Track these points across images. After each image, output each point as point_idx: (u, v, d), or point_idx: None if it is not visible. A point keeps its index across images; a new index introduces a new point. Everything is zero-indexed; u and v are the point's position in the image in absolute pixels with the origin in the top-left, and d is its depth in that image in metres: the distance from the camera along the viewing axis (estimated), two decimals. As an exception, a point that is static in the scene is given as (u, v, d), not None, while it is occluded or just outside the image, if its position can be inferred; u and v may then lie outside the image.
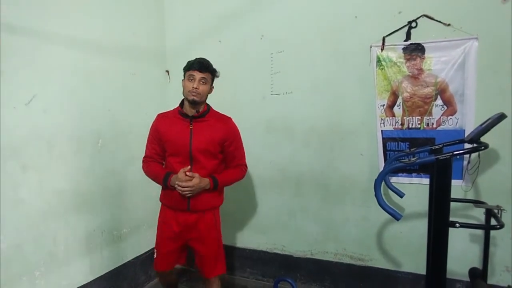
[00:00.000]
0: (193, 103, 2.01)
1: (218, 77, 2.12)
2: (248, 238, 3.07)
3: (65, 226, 2.28)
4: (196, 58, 2.04)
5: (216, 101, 2.98)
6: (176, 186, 1.97)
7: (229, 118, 2.19)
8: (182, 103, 2.11)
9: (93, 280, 2.47)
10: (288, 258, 2.92)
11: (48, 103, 2.15)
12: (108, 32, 2.57)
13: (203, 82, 2.00)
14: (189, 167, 1.98)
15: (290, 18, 2.69)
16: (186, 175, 1.98)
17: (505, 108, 1.99)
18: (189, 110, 2.06)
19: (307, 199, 2.81)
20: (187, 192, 1.97)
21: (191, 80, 1.99)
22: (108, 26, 2.57)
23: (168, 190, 2.07)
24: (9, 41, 1.92)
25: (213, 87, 2.11)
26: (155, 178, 2.11)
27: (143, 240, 2.94)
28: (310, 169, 2.76)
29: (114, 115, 2.64)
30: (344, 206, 2.70)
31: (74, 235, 2.34)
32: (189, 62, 2.04)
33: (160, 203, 2.23)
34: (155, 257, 2.22)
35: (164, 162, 2.17)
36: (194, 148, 2.02)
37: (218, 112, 2.18)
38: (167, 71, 3.15)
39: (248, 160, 2.93)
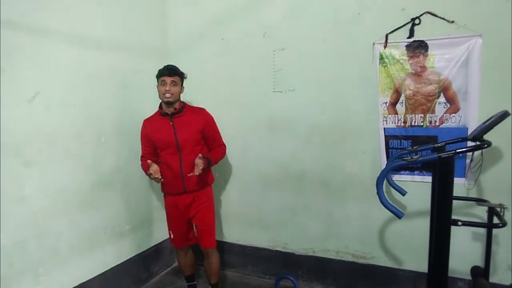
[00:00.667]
0: (169, 103, 2.37)
1: (186, 78, 2.48)
2: (250, 236, 3.08)
3: (68, 222, 2.29)
4: (164, 66, 2.39)
5: (218, 98, 3.01)
6: (151, 177, 2.32)
7: (203, 109, 2.55)
8: (160, 106, 2.45)
9: (96, 277, 2.49)
10: (290, 256, 2.93)
11: (51, 100, 2.16)
12: (111, 29, 2.58)
13: (173, 84, 2.35)
14: (149, 161, 2.31)
15: (292, 15, 2.67)
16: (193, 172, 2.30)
17: (509, 106, 1.98)
18: (167, 109, 2.40)
19: (309, 197, 2.81)
20: (193, 173, 2.29)
21: (163, 84, 2.34)
22: (111, 23, 2.58)
23: (165, 179, 2.37)
24: (11, 38, 1.93)
25: (183, 87, 2.47)
26: (145, 171, 2.45)
27: (145, 236, 2.96)
28: (312, 166, 2.76)
29: (117, 112, 2.64)
30: (346, 204, 2.70)
31: (77, 231, 2.35)
32: (159, 70, 2.38)
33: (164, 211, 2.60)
34: (172, 237, 2.59)
35: (158, 157, 2.49)
36: (180, 139, 2.38)
37: (192, 106, 2.55)
38: (170, 69, 3.16)
39: (251, 157, 2.97)
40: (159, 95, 2.39)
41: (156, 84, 2.40)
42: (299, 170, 2.81)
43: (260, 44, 2.80)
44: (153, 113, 2.51)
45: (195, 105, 2.61)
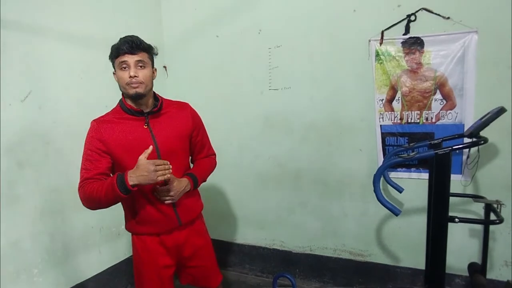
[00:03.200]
0: (138, 97, 1.54)
1: (156, 54, 1.64)
2: (247, 234, 3.07)
3: (62, 223, 2.27)
4: (121, 38, 1.55)
5: (213, 96, 2.99)
6: (150, 172, 1.42)
7: (186, 103, 1.79)
8: (122, 101, 1.63)
9: (91, 277, 2.47)
10: (287, 254, 2.92)
11: (44, 99, 2.14)
12: (104, 27, 2.55)
13: (141, 66, 1.54)
14: (151, 147, 1.47)
15: (288, 12, 2.66)
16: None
17: (505, 102, 1.98)
18: (140, 106, 1.60)
19: (306, 195, 2.80)
20: (169, 199, 1.59)
21: (125, 68, 1.52)
22: (104, 21, 2.55)
23: (142, 213, 1.63)
24: (4, 36, 1.91)
25: (155, 69, 1.64)
26: (105, 193, 1.46)
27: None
28: (309, 164, 2.75)
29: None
30: (343, 201, 2.69)
31: (72, 232, 2.33)
32: (113, 46, 1.55)
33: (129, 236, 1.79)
34: None
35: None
36: (163, 150, 1.59)
37: (171, 100, 1.76)
38: (165, 67, 3.13)
39: (246, 155, 2.95)
40: (119, 85, 1.57)
41: (113, 70, 1.60)
42: (296, 167, 2.80)
43: (255, 41, 2.79)
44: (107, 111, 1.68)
45: (190, 102, 1.86)
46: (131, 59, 1.52)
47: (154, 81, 1.65)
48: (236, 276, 3.05)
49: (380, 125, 2.50)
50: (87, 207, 1.57)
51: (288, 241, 2.92)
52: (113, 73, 1.61)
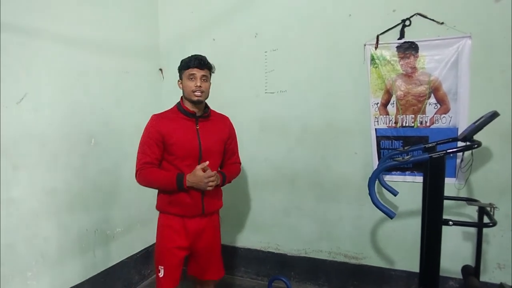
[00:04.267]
0: (198, 103, 1.93)
1: (214, 72, 2.03)
2: (243, 237, 3.07)
3: (57, 225, 2.25)
4: (192, 55, 1.92)
5: (210, 99, 2.98)
6: (205, 180, 1.83)
7: (227, 117, 2.17)
8: (180, 103, 1.99)
9: (86, 280, 2.45)
10: (282, 257, 2.92)
11: (39, 101, 2.13)
12: (101, 29, 2.54)
13: (204, 80, 1.92)
14: (207, 162, 1.84)
15: (284, 16, 2.68)
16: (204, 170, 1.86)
17: (498, 106, 2.00)
18: (195, 109, 1.96)
19: (301, 198, 2.81)
20: (211, 184, 1.86)
21: (192, 79, 1.89)
22: (101, 23, 2.55)
23: (176, 197, 1.93)
24: (-1, 38, 1.90)
25: (210, 83, 2.03)
26: (162, 182, 1.90)
27: (137, 239, 2.93)
28: (305, 167, 2.76)
29: (107, 113, 2.61)
30: (338, 204, 2.70)
31: (66, 234, 2.32)
32: (185, 60, 1.93)
33: (157, 213, 2.06)
34: (161, 276, 1.98)
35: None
36: (204, 149, 1.93)
37: (216, 111, 2.13)
38: (161, 69, 3.13)
39: (242, 158, 2.93)
40: (184, 92, 1.94)
41: (178, 78, 1.98)
42: (291, 170, 2.81)
43: (251, 45, 2.80)
44: (166, 109, 2.04)
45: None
46: (199, 72, 1.90)
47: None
48: (231, 279, 3.05)
49: (375, 129, 2.52)
50: (140, 185, 1.94)
51: (284, 244, 2.92)
52: (178, 81, 1.99)
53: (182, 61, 1.95)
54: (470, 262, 2.31)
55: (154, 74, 3.11)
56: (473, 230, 2.33)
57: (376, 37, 2.43)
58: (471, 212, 2.32)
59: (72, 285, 2.35)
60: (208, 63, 1.95)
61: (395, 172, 2.52)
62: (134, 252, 2.90)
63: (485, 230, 2.19)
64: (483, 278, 2.28)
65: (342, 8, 2.51)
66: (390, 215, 1.77)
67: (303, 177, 2.78)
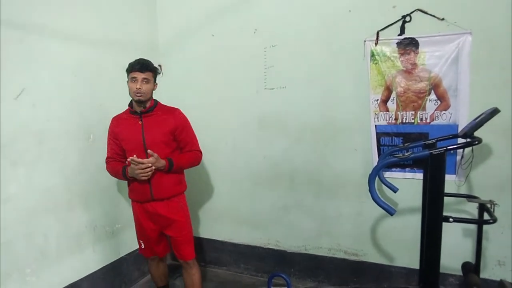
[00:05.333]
0: (139, 102, 2.15)
1: (159, 74, 2.26)
2: (242, 234, 3.06)
3: (56, 222, 2.25)
4: (136, 60, 2.14)
5: (208, 95, 2.99)
6: (136, 172, 2.08)
7: (177, 109, 2.31)
8: (131, 103, 2.24)
9: (85, 277, 2.45)
10: (282, 254, 2.92)
11: (38, 97, 2.12)
12: (99, 25, 2.53)
13: (145, 82, 2.12)
14: (135, 156, 2.06)
15: (283, 12, 2.66)
16: (141, 159, 2.07)
17: (499, 103, 1.99)
18: (137, 107, 2.19)
19: (301, 195, 2.80)
20: (142, 173, 2.07)
21: (134, 81, 2.11)
22: (99, 19, 2.53)
23: (132, 185, 2.24)
24: (-3, 34, 1.88)
25: (156, 84, 2.25)
26: (116, 174, 2.26)
27: (135, 235, 2.91)
28: (304, 164, 2.75)
29: (106, 109, 2.59)
30: (338, 201, 2.70)
31: (65, 231, 2.31)
32: (130, 63, 2.14)
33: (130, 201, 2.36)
34: (142, 247, 2.39)
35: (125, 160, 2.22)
36: (148, 141, 2.16)
37: (165, 106, 2.31)
38: (160, 65, 3.11)
39: (242, 155, 2.94)
40: (129, 92, 2.16)
41: (126, 79, 2.17)
42: (291, 167, 2.80)
43: (251, 41, 2.78)
44: (123, 110, 2.29)
45: (185, 102, 2.50)
46: (139, 76, 2.11)
47: (154, 91, 2.24)
48: (231, 275, 3.05)
49: (375, 125, 2.51)
50: (110, 175, 2.32)
51: (283, 241, 2.92)
52: (127, 81, 2.17)
53: (128, 64, 2.16)
54: (470, 259, 2.31)
55: (153, 71, 3.09)
56: (473, 226, 2.32)
57: (376, 33, 2.42)
58: (471, 209, 2.31)
59: (71, 282, 2.36)
60: (150, 66, 2.16)
61: (395, 169, 2.51)
62: (133, 249, 2.89)
63: (485, 227, 2.19)
64: (483, 275, 2.28)
65: (342, 3, 2.49)
66: (390, 211, 1.77)
67: (302, 173, 2.77)
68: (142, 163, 2.06)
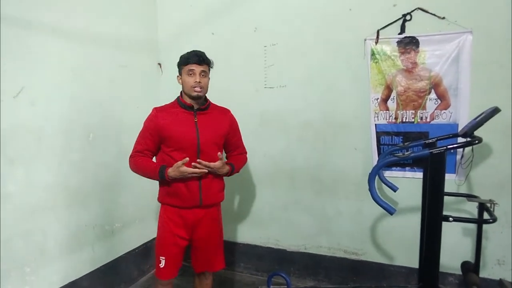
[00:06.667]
0: (198, 98, 1.97)
1: (212, 67, 2.05)
2: (242, 233, 3.06)
3: (55, 221, 2.24)
4: (191, 51, 1.96)
5: (208, 93, 2.97)
6: (184, 173, 1.87)
7: (229, 110, 2.18)
8: (180, 96, 2.03)
9: (84, 276, 2.44)
10: (282, 253, 2.92)
11: (36, 95, 2.11)
12: (98, 22, 2.52)
13: (203, 75, 1.95)
14: (187, 158, 1.87)
15: (284, 10, 2.66)
16: (194, 166, 1.90)
17: (499, 102, 1.99)
18: (193, 102, 1.99)
19: (301, 193, 2.80)
20: (198, 172, 1.89)
21: (191, 74, 1.93)
22: (99, 17, 2.52)
23: (172, 188, 1.97)
24: (-4, 32, 1.88)
25: (209, 78, 2.06)
26: (145, 172, 1.99)
27: (136, 234, 2.92)
28: (304, 162, 2.75)
29: (105, 108, 2.59)
30: (338, 200, 2.69)
31: (64, 230, 2.31)
32: (184, 56, 1.96)
33: (158, 204, 2.10)
34: (161, 266, 2.03)
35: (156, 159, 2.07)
36: (202, 141, 1.96)
37: (216, 105, 2.15)
38: (159, 64, 3.11)
39: (242, 154, 2.94)
40: (183, 87, 1.97)
41: (177, 74, 2.01)
42: (291, 166, 2.80)
43: (251, 39, 2.78)
44: (167, 103, 2.07)
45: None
46: (198, 68, 1.93)
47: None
48: (231, 274, 3.05)
49: (375, 124, 2.50)
50: (131, 170, 2.05)
51: (283, 240, 2.92)
52: (178, 77, 2.02)
53: (181, 57, 1.97)
54: (470, 258, 2.31)
55: (153, 69, 3.09)
56: (472, 226, 2.32)
57: (376, 32, 2.42)
58: (471, 208, 2.31)
59: (71, 280, 2.35)
60: (207, 58, 1.98)
61: (395, 168, 2.51)
62: (133, 248, 2.90)
63: (484, 226, 2.19)
64: (483, 274, 2.28)
65: (342, 2, 2.49)
66: (390, 211, 1.77)
67: (302, 172, 2.77)
68: (209, 167, 1.90)
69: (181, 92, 2.03)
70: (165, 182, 1.98)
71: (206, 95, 2.06)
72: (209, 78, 2.02)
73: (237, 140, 2.20)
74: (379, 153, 2.51)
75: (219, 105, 2.16)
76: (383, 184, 2.34)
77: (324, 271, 2.81)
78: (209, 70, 2.01)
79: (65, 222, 2.31)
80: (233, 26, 2.83)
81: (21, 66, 2.02)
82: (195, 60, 1.92)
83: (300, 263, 2.88)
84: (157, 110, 2.00)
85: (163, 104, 2.07)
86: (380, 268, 2.64)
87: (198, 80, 1.92)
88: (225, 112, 2.15)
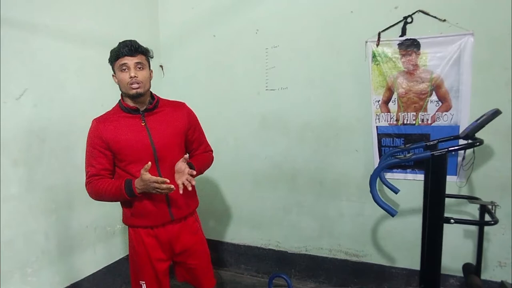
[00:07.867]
0: (138, 96, 1.65)
1: (152, 57, 1.75)
2: (243, 234, 3.06)
3: (57, 222, 2.25)
4: (120, 43, 1.65)
5: (210, 96, 2.98)
6: (153, 188, 1.57)
7: (184, 103, 1.89)
8: (121, 100, 1.75)
9: (86, 277, 2.45)
10: (283, 254, 2.92)
11: (39, 97, 2.12)
12: (100, 24, 2.53)
13: (140, 68, 1.65)
14: (149, 163, 1.56)
15: (285, 12, 2.66)
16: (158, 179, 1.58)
17: (500, 104, 1.99)
18: (137, 104, 1.70)
19: (302, 195, 2.80)
20: (162, 189, 1.58)
21: (125, 70, 1.63)
22: (100, 19, 2.53)
23: (138, 207, 1.70)
24: (-1, 34, 1.89)
25: (152, 71, 1.75)
26: (111, 195, 1.65)
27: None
28: (305, 164, 2.75)
29: (107, 109, 2.59)
30: (339, 202, 2.69)
31: (66, 231, 2.31)
32: (114, 49, 1.66)
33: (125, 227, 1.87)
34: None
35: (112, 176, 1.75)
36: (158, 146, 1.68)
37: (169, 100, 1.86)
38: (161, 66, 3.12)
39: (243, 155, 2.94)
40: (120, 87, 1.68)
41: (112, 72, 1.71)
42: (292, 168, 2.80)
43: (252, 41, 2.78)
44: (107, 111, 1.78)
45: (186, 102, 1.94)
46: (130, 61, 1.63)
47: (151, 81, 1.77)
48: (231, 276, 3.05)
49: (376, 126, 2.51)
50: (94, 199, 1.75)
51: (284, 241, 2.92)
52: (113, 75, 1.72)
53: (111, 52, 1.68)
54: (471, 260, 2.31)
55: (155, 71, 3.06)
56: (474, 228, 2.32)
57: (377, 34, 2.42)
58: (472, 210, 2.31)
59: (72, 282, 2.35)
60: (141, 47, 1.67)
61: (396, 170, 2.51)
62: (134, 249, 2.90)
63: (486, 228, 2.19)
64: (484, 276, 2.28)
65: (343, 4, 2.49)
66: (391, 213, 1.77)
67: (303, 174, 2.77)
68: (157, 180, 1.55)
69: (121, 94, 1.75)
70: (127, 202, 1.72)
71: (155, 92, 1.81)
72: (150, 71, 1.72)
73: (199, 136, 1.91)
74: (380, 155, 2.51)
75: (173, 100, 1.89)
76: (385, 186, 2.34)
77: (325, 273, 2.81)
78: (147, 60, 1.72)
79: (67, 224, 2.32)
80: (235, 28, 2.83)
81: (24, 68, 2.04)
82: (125, 51, 1.61)
83: (301, 264, 2.87)
84: (97, 121, 1.71)
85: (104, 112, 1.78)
86: (381, 270, 2.64)
87: (133, 74, 1.61)
88: (180, 106, 1.85)
